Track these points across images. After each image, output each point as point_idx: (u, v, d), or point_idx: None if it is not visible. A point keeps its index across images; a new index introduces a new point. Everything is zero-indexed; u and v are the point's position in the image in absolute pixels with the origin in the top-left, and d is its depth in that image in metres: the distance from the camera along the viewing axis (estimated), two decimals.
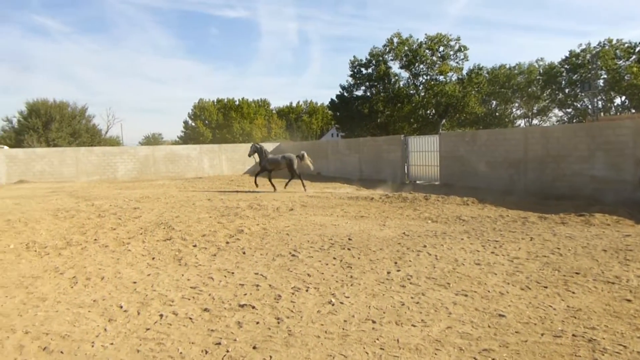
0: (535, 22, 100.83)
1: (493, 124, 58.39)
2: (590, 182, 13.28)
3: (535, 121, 64.12)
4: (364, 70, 52.23)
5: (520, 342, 3.86)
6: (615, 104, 54.67)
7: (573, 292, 5.09)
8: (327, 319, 4.44)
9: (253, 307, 4.79)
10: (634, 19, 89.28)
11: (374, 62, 51.00)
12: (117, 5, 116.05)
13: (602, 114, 49.35)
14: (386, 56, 50.87)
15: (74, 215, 11.43)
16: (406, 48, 49.35)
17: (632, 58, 49.60)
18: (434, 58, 49.26)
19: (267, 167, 18.49)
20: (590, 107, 50.27)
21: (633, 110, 49.68)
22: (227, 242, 8.16)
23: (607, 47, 50.33)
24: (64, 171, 25.30)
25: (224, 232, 9.04)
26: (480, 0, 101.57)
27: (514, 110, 64.87)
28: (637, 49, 49.41)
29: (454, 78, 50.10)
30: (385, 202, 13.82)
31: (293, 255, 7.15)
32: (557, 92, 56.94)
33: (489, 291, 5.19)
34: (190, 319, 4.48)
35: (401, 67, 50.88)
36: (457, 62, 49.68)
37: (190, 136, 67.95)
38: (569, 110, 58.36)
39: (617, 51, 50.52)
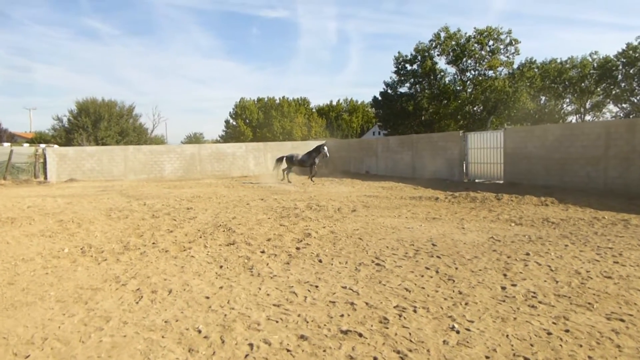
0: (580, 17, 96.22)
1: (543, 120, 55.79)
2: None
3: (587, 117, 60.97)
4: (408, 67, 50.72)
5: None
6: None
7: None
8: (463, 355, 3.47)
9: (360, 335, 3.87)
10: None
11: (419, 57, 49.42)
12: (162, 7, 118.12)
13: None
14: (432, 51, 49.18)
15: (127, 216, 10.85)
16: (454, 43, 47.56)
17: None
18: (483, 52, 47.27)
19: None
20: None
21: None
22: (298, 248, 7.30)
23: None
24: (113, 169, 25.20)
25: (290, 236, 8.19)
26: None
27: (565, 106, 61.88)
28: None
29: (504, 73, 47.94)
30: (453, 203, 12.72)
31: (378, 265, 6.21)
32: (612, 86, 53.83)
33: None
34: (288, 350, 3.59)
35: (448, 63, 49.07)
36: (507, 57, 47.49)
37: (231, 135, 67.92)
38: (625, 105, 55.05)
39: None
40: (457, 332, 3.91)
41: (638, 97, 51.57)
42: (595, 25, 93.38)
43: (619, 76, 51.43)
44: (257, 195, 15.52)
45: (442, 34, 48.32)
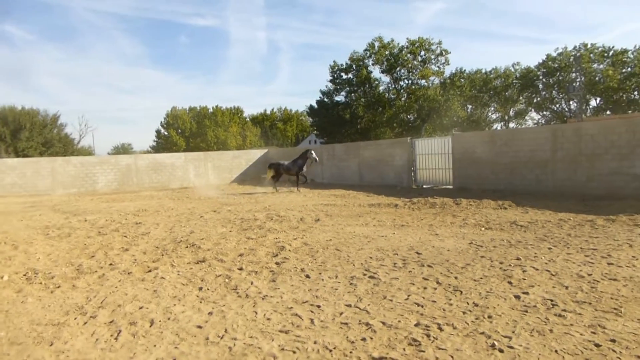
0: (500, 31, 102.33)
1: (471, 127, 58.25)
2: (632, 180, 12.38)
3: (511, 124, 64.38)
4: (344, 75, 51.25)
5: None
6: (590, 106, 55.24)
7: None
8: None
9: None
10: (595, 28, 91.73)
11: (354, 66, 50.06)
12: (82, 12, 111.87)
13: (582, 115, 49.62)
14: (367, 61, 50.04)
15: (69, 234, 9.70)
16: (387, 52, 48.64)
17: (607, 61, 50.18)
18: (415, 62, 48.67)
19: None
20: (573, 108, 50.58)
21: (608, 112, 50.25)
22: (277, 263, 6.70)
23: (582, 51, 50.79)
24: (38, 183, 23.01)
25: (264, 250, 7.57)
26: (445, 9, 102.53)
27: (490, 114, 65.01)
28: (610, 53, 50.03)
29: (436, 82, 49.58)
30: (414, 209, 12.58)
31: (372, 277, 5.77)
32: (533, 95, 57.22)
33: None
34: None
35: (382, 72, 50.14)
36: (438, 67, 49.26)
37: (163, 145, 65.31)
38: (546, 113, 58.72)
39: (591, 55, 51.06)
40: (501, 350, 3.53)
41: (557, 105, 55.12)
42: (514, 39, 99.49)
43: (540, 85, 54.73)
44: (208, 206, 14.64)
45: (376, 44, 49.27)
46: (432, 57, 48.80)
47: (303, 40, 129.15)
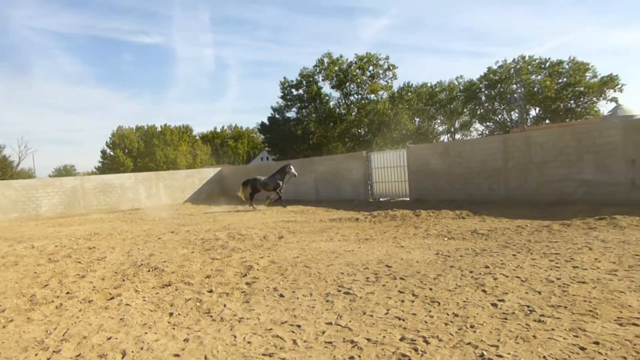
0: (440, 45, 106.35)
1: (420, 140, 59.79)
2: (580, 186, 12.98)
3: (457, 136, 66.57)
4: (294, 92, 51.49)
5: None
6: (531, 116, 58.00)
7: None
8: None
9: None
10: (530, 40, 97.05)
11: (304, 82, 50.41)
12: (19, 30, 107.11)
13: (524, 125, 51.99)
14: (317, 76, 50.55)
15: (16, 262, 9.08)
16: (337, 68, 49.33)
17: (544, 73, 53.02)
18: (364, 77, 49.60)
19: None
20: (515, 118, 52.89)
21: (547, 121, 52.94)
22: (248, 284, 6.50)
23: (521, 63, 53.43)
24: None
25: (231, 271, 7.34)
26: (390, 25, 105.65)
27: (437, 126, 67.01)
28: (547, 64, 52.93)
29: (385, 96, 50.66)
30: (375, 222, 12.65)
31: (347, 293, 5.69)
32: (477, 107, 59.49)
33: None
34: None
35: (332, 87, 50.77)
36: (386, 81, 50.43)
37: (109, 166, 63.11)
38: (490, 124, 61.12)
39: (529, 67, 53.81)
40: None
41: (500, 116, 57.51)
42: (456, 53, 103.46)
43: (483, 97, 57.01)
44: (164, 228, 14.14)
45: (326, 60, 49.90)
46: (380, 72, 49.98)
47: (251, 57, 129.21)
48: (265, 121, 53.69)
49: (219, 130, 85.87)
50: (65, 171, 74.95)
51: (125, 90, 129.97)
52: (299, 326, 4.62)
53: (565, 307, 4.58)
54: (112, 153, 64.52)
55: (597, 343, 3.67)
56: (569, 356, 3.49)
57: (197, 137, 78.70)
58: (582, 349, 3.59)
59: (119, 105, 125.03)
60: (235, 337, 4.41)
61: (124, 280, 7.08)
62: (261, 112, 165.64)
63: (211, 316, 5.10)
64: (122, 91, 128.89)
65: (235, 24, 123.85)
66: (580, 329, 3.98)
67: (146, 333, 4.64)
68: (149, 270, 7.63)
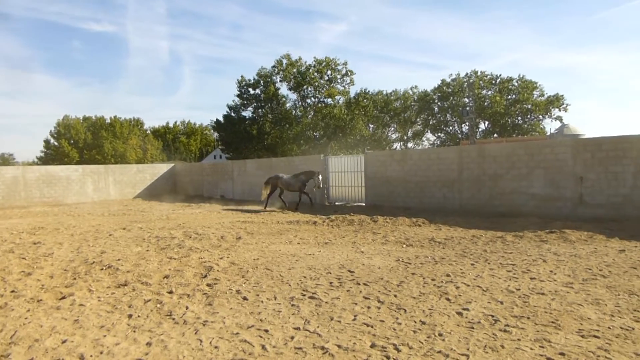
0: (397, 55, 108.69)
1: (374, 146, 60.65)
2: (531, 199, 13.50)
3: (410, 144, 68.01)
4: (251, 91, 50.94)
5: None
6: (480, 129, 60.08)
7: None
8: None
9: None
10: (481, 56, 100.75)
11: (262, 82, 49.99)
12: None
13: (474, 138, 53.74)
14: (274, 77, 50.25)
15: None
16: (295, 70, 49.23)
17: (494, 88, 55.08)
18: (322, 81, 49.77)
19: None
20: (465, 130, 54.57)
21: (496, 135, 54.98)
22: (209, 285, 6.33)
23: (473, 78, 55.27)
24: None
25: (191, 271, 7.12)
26: (348, 31, 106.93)
27: (390, 134, 68.16)
28: (497, 80, 55.03)
29: (341, 101, 51.03)
30: (333, 226, 12.67)
31: (312, 298, 5.64)
32: (430, 117, 61.00)
33: (610, 327, 4.27)
34: None
35: (290, 89, 50.62)
36: (343, 86, 50.80)
37: (52, 157, 60.14)
38: (441, 134, 62.78)
39: (481, 82, 55.76)
40: None
41: (451, 128, 59.20)
42: (412, 64, 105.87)
43: (436, 108, 58.54)
44: (115, 223, 13.59)
45: (284, 61, 49.73)
46: (338, 76, 50.29)
47: (208, 52, 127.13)
48: (220, 119, 52.74)
49: (171, 125, 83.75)
50: (2, 160, 70.90)
51: (73, 79, 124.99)
52: (266, 331, 4.52)
53: (528, 318, 4.71)
54: (56, 143, 61.54)
55: (562, 354, 3.78)
56: (504, 353, 3.58)
57: (148, 132, 76.48)
58: (549, 359, 3.70)
59: (65, 94, 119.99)
60: (201, 341, 4.26)
61: (75, 279, 6.72)
62: (216, 109, 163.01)
63: (173, 319, 4.92)
64: (69, 79, 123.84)
65: (192, 18, 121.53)
66: (545, 340, 4.10)
67: (105, 336, 4.41)
68: (102, 269, 7.29)
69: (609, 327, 4.37)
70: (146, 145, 67.49)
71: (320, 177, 17.18)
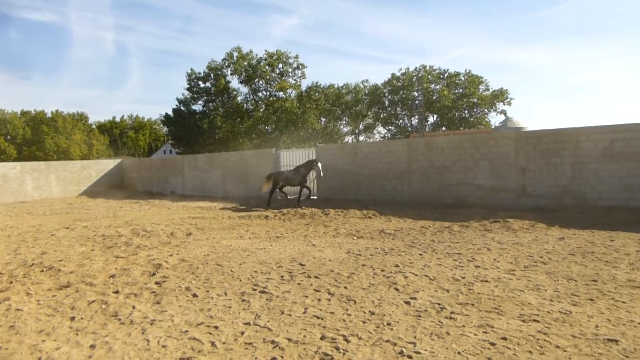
0: (348, 49, 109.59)
1: (325, 140, 60.93)
2: (476, 190, 13.96)
3: (361, 137, 68.80)
4: (202, 84, 49.95)
5: None
6: (429, 123, 61.49)
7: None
8: None
9: None
10: (430, 51, 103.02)
11: (212, 75, 49.09)
12: None
13: (423, 131, 54.93)
14: (225, 70, 49.47)
15: None
16: (246, 63, 48.64)
17: (442, 82, 56.49)
18: (274, 74, 49.43)
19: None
20: (415, 124, 55.70)
21: (444, 128, 56.44)
22: (157, 283, 6.18)
23: (422, 72, 56.43)
24: None
25: (139, 270, 6.92)
26: (301, 25, 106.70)
27: (342, 127, 68.67)
28: (445, 75, 56.43)
29: (293, 95, 50.88)
30: (285, 220, 12.66)
31: (263, 292, 5.62)
32: (380, 111, 61.86)
33: (549, 312, 4.49)
34: None
35: (241, 82, 49.99)
36: (295, 80, 50.64)
37: None
38: (392, 127, 63.80)
39: (430, 76, 57.04)
40: (410, 357, 3.65)
41: (401, 121, 60.26)
42: (363, 58, 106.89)
43: (386, 102, 59.40)
44: (57, 223, 13.02)
45: (235, 54, 49.05)
46: (290, 70, 50.06)
47: (156, 45, 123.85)
48: (170, 113, 51.42)
49: (118, 119, 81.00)
50: None
51: (9, 71, 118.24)
52: (216, 327, 4.46)
53: (473, 305, 4.88)
54: None
55: (505, 339, 3.94)
56: (481, 351, 3.71)
57: (94, 126, 73.66)
58: (492, 344, 3.84)
59: (1, 86, 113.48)
60: (148, 341, 4.15)
61: (11, 282, 6.39)
62: (165, 103, 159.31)
63: (119, 319, 4.77)
64: (5, 71, 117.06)
65: (140, 9, 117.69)
66: (489, 326, 4.25)
67: (44, 341, 4.22)
68: (43, 271, 6.97)
69: (548, 312, 4.58)
70: (91, 141, 65.00)
71: (320, 164, 16.06)
